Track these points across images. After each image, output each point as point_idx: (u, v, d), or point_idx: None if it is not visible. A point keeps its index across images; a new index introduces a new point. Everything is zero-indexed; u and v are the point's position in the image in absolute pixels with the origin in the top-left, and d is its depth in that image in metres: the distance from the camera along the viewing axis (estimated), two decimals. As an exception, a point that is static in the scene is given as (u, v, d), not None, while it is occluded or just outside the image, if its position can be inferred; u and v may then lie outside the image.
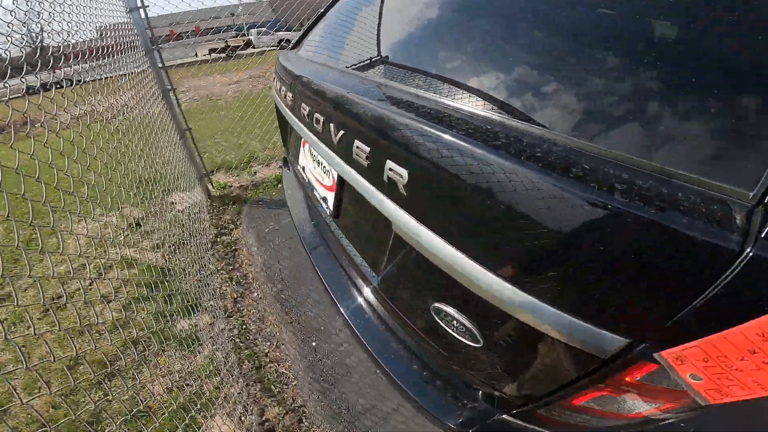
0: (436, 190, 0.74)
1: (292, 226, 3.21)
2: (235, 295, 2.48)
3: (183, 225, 2.99)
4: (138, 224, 3.29)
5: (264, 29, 21.82)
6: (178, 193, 3.58)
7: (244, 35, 23.70)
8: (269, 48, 21.80)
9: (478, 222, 0.68)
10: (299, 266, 2.66)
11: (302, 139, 1.59)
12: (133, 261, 2.67)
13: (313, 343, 2.05)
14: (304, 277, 2.54)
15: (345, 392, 1.78)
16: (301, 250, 2.79)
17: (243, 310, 2.37)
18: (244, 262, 2.83)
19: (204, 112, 7.88)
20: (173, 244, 2.69)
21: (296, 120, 1.41)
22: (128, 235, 2.96)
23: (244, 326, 2.24)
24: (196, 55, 19.12)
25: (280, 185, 3.84)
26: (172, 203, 3.53)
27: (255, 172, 4.14)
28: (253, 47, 20.80)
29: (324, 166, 1.41)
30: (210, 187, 3.75)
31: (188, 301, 2.21)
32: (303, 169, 1.69)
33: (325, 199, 1.43)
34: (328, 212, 1.40)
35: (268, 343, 2.11)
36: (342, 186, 1.28)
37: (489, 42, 0.88)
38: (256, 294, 2.51)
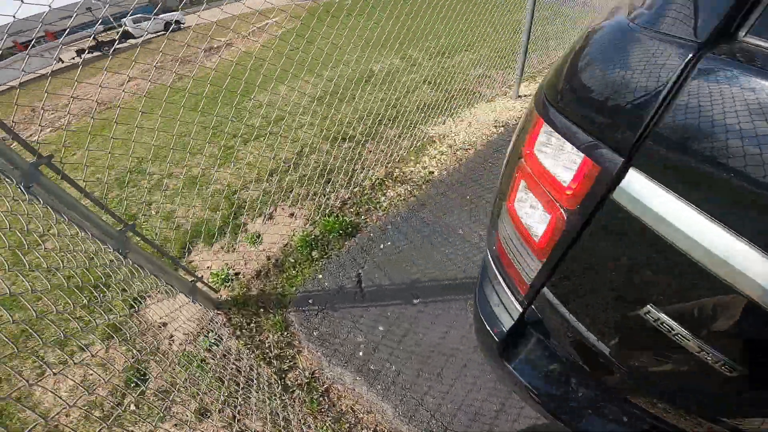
0: None
1: (394, 340, 1.98)
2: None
3: (210, 368, 1.90)
4: (140, 379, 1.92)
5: (141, 15, 18.16)
6: (155, 305, 2.16)
7: (112, 28, 19.88)
8: (154, 35, 18.31)
9: None
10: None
11: None
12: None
13: None
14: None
15: None
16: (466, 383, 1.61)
17: None
18: (358, 409, 1.65)
19: (103, 129, 5.76)
20: (223, 404, 1.73)
21: None
22: (140, 401, 1.83)
23: None
24: (60, 61, 15.46)
25: (313, 252, 2.44)
26: (161, 326, 2.11)
27: (258, 236, 2.66)
28: (134, 38, 17.28)
29: None
30: (207, 290, 2.25)
31: None
32: None
33: None
34: None
35: None
36: None
37: None
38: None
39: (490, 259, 1.11)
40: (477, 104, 3.86)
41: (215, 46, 13.29)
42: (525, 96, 4.06)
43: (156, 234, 2.85)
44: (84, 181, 1.79)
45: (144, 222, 3.05)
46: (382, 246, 2.40)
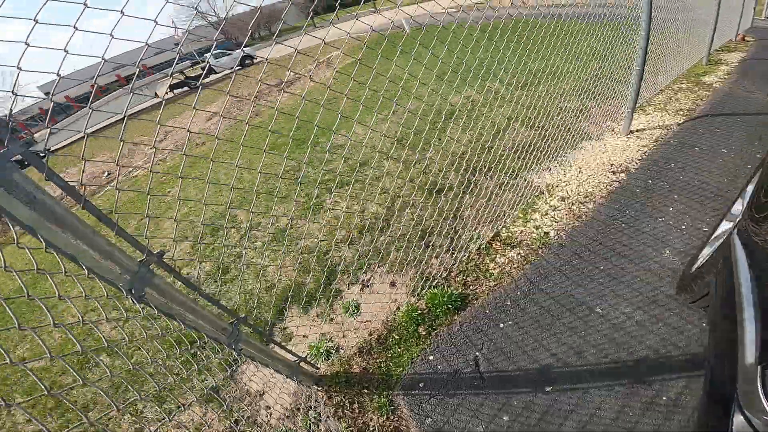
0: None
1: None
2: None
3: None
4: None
5: (219, 51, 19.74)
6: (250, 369, 2.10)
7: (197, 63, 21.73)
8: (231, 70, 19.81)
9: None
10: None
11: None
12: None
13: None
14: None
15: None
16: None
17: None
18: None
19: (192, 168, 6.10)
20: None
21: None
22: None
23: None
24: (156, 95, 17.10)
25: (419, 328, 2.20)
26: (259, 395, 2.03)
27: (356, 306, 2.46)
28: (215, 72, 18.81)
29: None
30: (308, 367, 2.10)
31: None
32: None
33: None
34: None
35: None
36: None
37: None
38: None
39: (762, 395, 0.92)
40: (582, 144, 3.45)
41: (285, 80, 13.98)
42: (638, 131, 3.58)
43: (248, 297, 2.79)
44: (197, 273, 1.69)
45: (235, 277, 3.01)
46: (501, 325, 2.09)
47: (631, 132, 3.55)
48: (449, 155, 3.20)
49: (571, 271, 2.23)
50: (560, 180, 2.98)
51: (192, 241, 3.75)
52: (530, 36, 2.42)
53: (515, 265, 2.39)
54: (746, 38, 10.47)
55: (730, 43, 9.36)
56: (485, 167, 3.17)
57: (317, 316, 2.48)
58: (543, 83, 4.53)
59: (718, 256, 1.52)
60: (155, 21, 1.04)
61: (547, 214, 2.68)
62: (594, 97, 3.74)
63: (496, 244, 2.56)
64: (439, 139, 3.81)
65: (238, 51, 20.98)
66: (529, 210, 2.75)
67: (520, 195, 2.81)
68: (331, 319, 2.44)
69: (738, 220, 1.43)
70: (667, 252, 2.18)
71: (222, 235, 3.70)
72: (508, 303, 2.18)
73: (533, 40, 2.47)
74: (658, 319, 1.89)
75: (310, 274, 2.71)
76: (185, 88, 17.00)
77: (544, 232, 2.54)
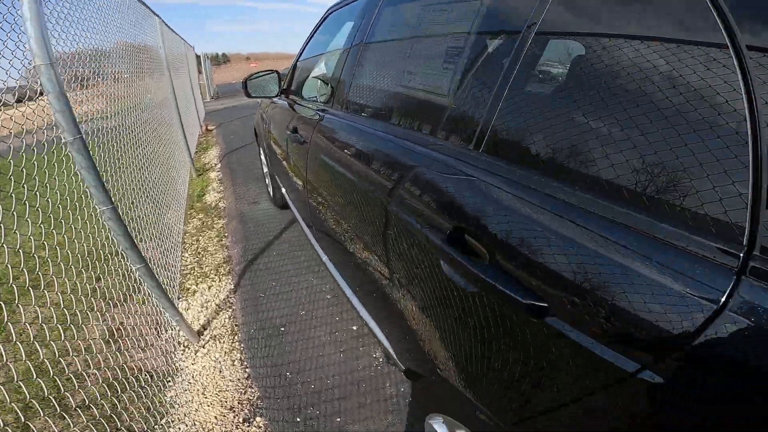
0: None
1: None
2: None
3: None
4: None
5: None
6: None
7: None
8: None
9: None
10: None
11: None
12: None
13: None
14: None
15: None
16: None
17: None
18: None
19: None
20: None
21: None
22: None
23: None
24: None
25: None
26: None
27: None
28: None
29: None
30: None
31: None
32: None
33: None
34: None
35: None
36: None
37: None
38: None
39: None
40: (169, 397, 2.39)
41: None
42: (205, 327, 2.95)
43: None
44: None
45: None
46: None
47: (200, 334, 2.89)
48: None
49: None
50: None
51: None
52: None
53: None
54: (209, 127, 12.05)
55: (200, 138, 10.36)
56: None
57: None
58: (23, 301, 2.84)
59: None
60: None
61: None
62: (115, 301, 2.63)
63: None
64: None
65: None
66: None
67: None
68: None
69: None
70: None
71: None
72: None
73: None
74: None
75: None
76: None
77: None
